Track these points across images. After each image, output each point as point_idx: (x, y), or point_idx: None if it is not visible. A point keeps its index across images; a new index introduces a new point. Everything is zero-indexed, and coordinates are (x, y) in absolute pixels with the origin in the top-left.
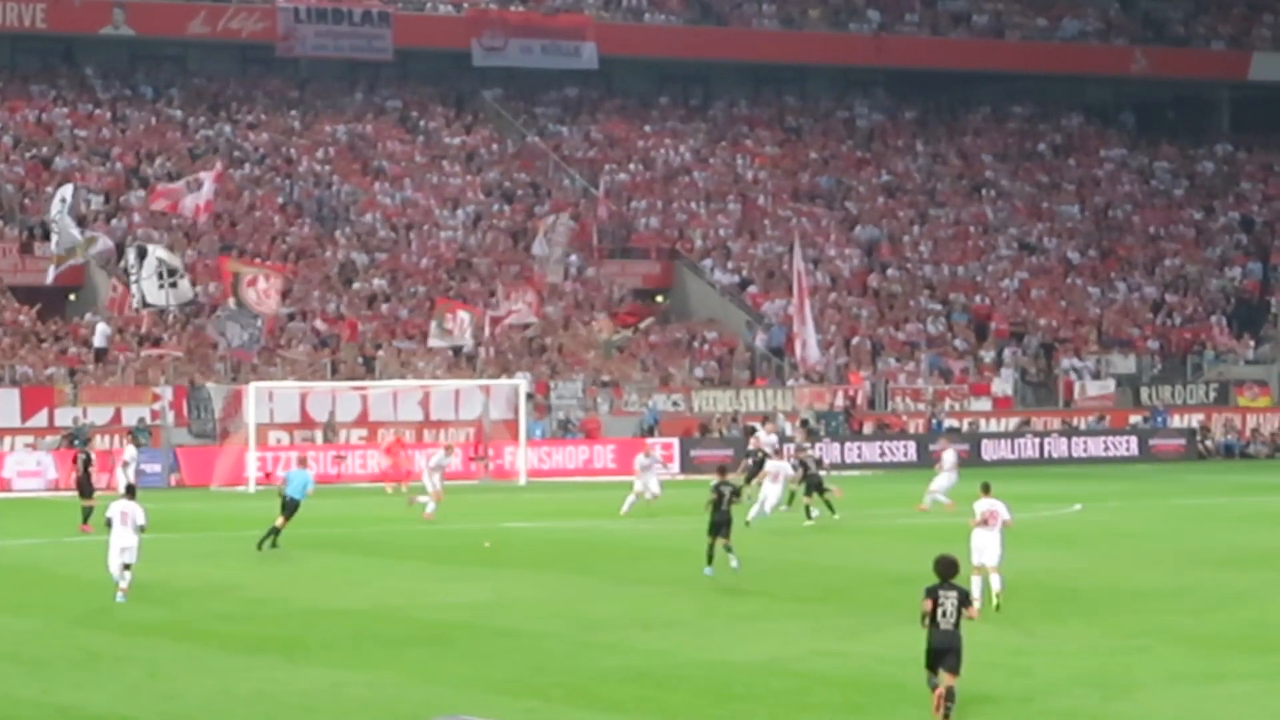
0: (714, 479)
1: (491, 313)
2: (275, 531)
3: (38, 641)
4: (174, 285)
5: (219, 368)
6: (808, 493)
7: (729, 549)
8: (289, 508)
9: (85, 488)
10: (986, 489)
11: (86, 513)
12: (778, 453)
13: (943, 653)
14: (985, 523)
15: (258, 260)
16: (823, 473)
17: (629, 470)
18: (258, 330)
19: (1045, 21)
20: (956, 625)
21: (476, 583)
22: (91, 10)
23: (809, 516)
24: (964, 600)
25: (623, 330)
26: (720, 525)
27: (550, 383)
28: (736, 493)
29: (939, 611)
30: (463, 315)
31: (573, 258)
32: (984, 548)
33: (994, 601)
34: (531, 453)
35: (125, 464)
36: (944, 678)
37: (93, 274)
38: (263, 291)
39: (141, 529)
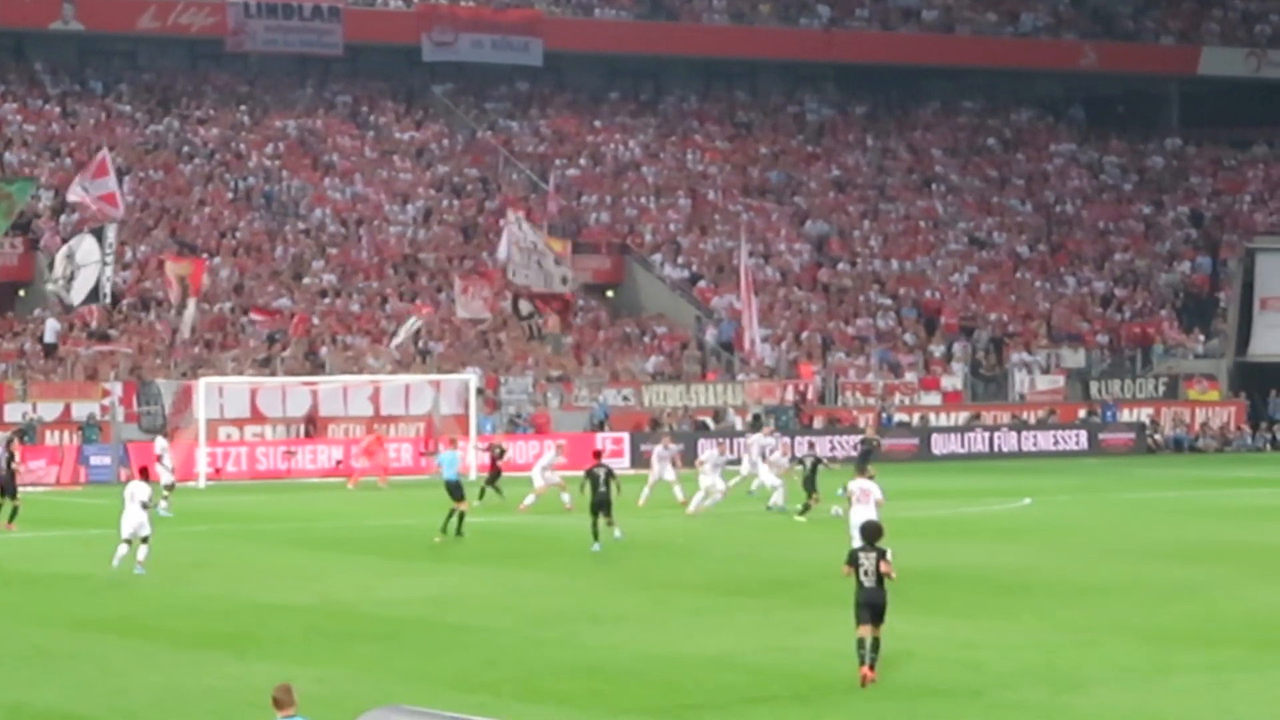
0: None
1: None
2: (457, 515)
3: None
4: (68, 285)
5: (169, 363)
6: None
7: (610, 524)
8: (454, 490)
9: (9, 486)
10: (861, 470)
11: (12, 512)
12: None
13: (865, 607)
14: (860, 501)
15: (184, 256)
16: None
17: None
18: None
19: (995, 16)
20: (879, 583)
21: (426, 578)
22: (41, 5)
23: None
24: (881, 558)
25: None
26: (600, 505)
27: (500, 378)
28: (611, 475)
29: (861, 570)
30: (412, 320)
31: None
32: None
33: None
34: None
35: (159, 456)
36: (870, 630)
37: (42, 270)
38: (169, 284)
39: (145, 505)
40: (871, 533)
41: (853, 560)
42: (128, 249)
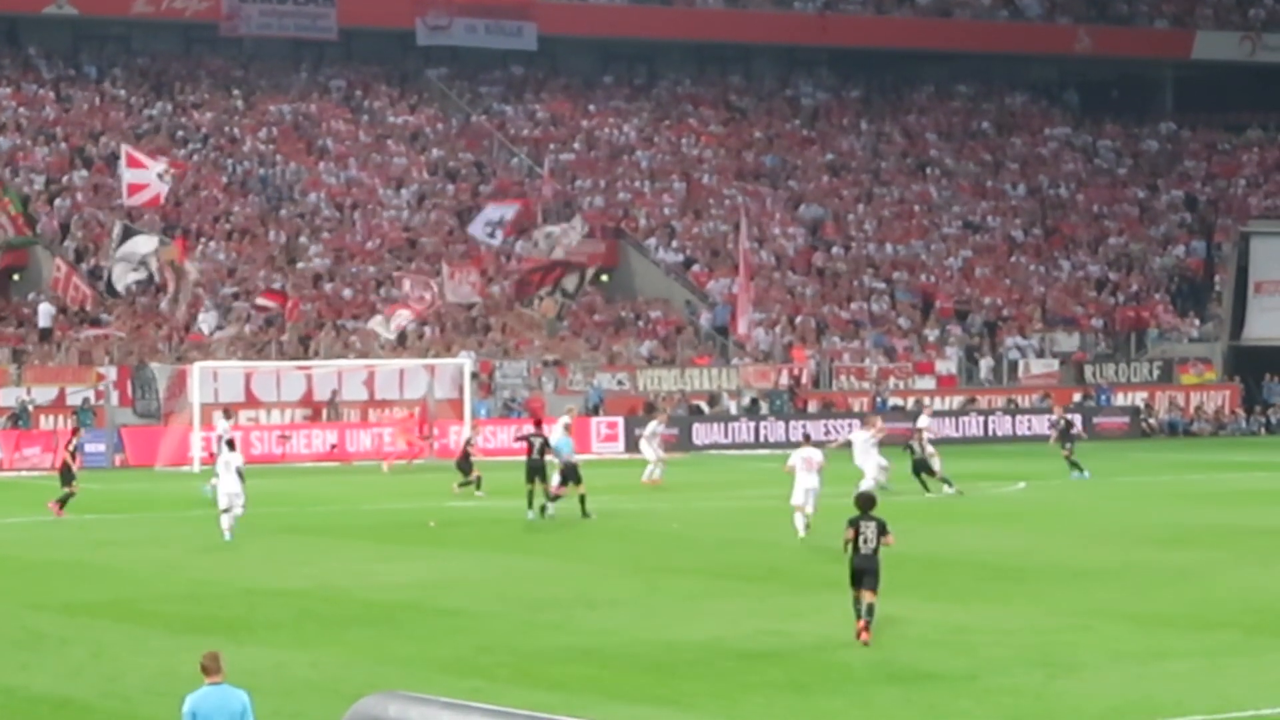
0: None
1: (433, 294)
2: (579, 498)
3: None
4: (137, 269)
5: (163, 348)
6: (915, 473)
7: (547, 494)
8: (570, 473)
9: (67, 474)
10: (807, 438)
11: (65, 499)
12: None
13: (862, 573)
14: (805, 469)
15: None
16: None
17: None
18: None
19: (989, 0)
20: (875, 551)
21: (421, 562)
22: None
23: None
24: (882, 529)
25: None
26: (534, 471)
27: (495, 362)
28: (546, 443)
29: (860, 538)
30: (403, 313)
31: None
32: (806, 488)
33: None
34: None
35: (219, 437)
36: (865, 595)
37: (37, 254)
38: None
39: (240, 474)
40: (867, 503)
41: (854, 525)
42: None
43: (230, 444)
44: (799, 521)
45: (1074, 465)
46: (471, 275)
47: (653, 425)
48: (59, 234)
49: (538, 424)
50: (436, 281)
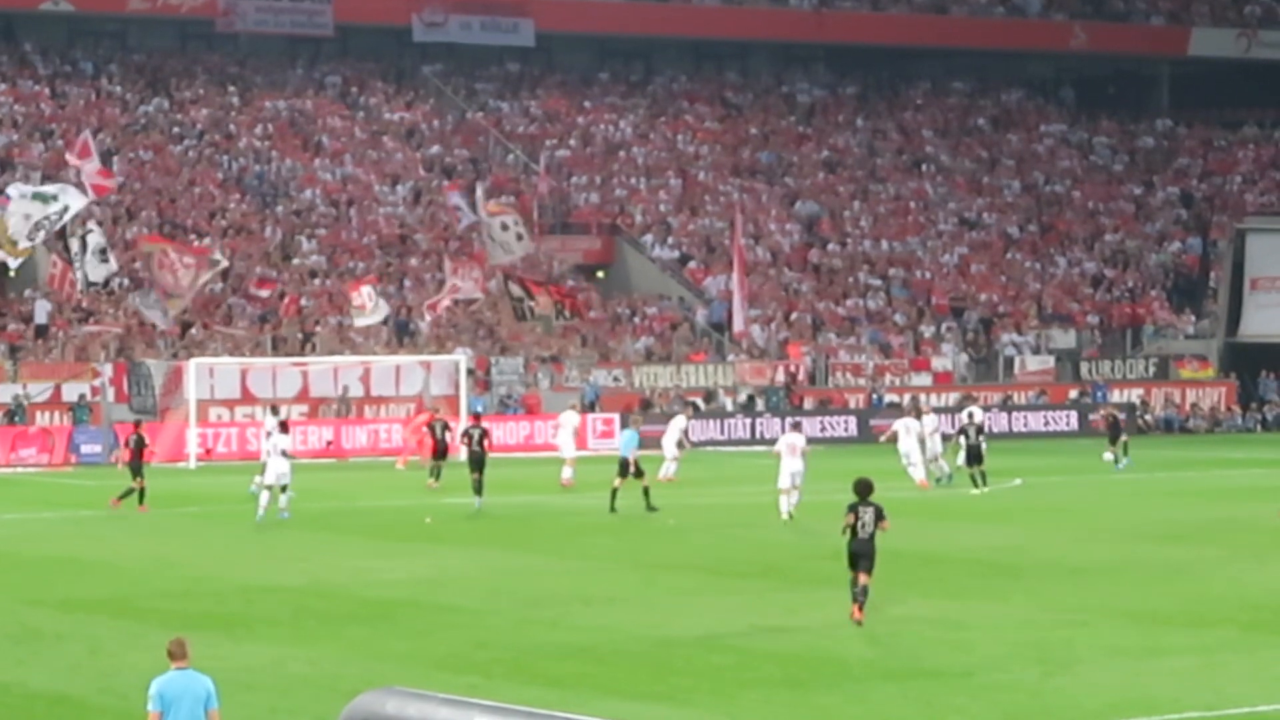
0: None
1: (434, 295)
2: (642, 490)
3: None
4: (104, 261)
5: (159, 344)
6: (969, 462)
7: (479, 484)
8: (624, 467)
9: (137, 468)
10: (796, 426)
11: (140, 494)
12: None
13: (859, 556)
14: (789, 454)
15: (175, 240)
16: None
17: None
18: (163, 308)
19: None
20: (871, 536)
21: (417, 559)
22: None
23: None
24: (879, 515)
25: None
26: (474, 462)
27: (491, 358)
28: (485, 435)
29: (858, 524)
30: (365, 290)
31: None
32: (794, 474)
33: (791, 513)
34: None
35: (268, 434)
36: (860, 578)
37: (33, 251)
38: (171, 268)
39: (285, 454)
40: (864, 488)
41: (853, 510)
42: (118, 229)
43: (284, 426)
44: (782, 504)
45: (1117, 455)
46: (474, 271)
47: (679, 421)
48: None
49: (476, 418)
50: (438, 278)
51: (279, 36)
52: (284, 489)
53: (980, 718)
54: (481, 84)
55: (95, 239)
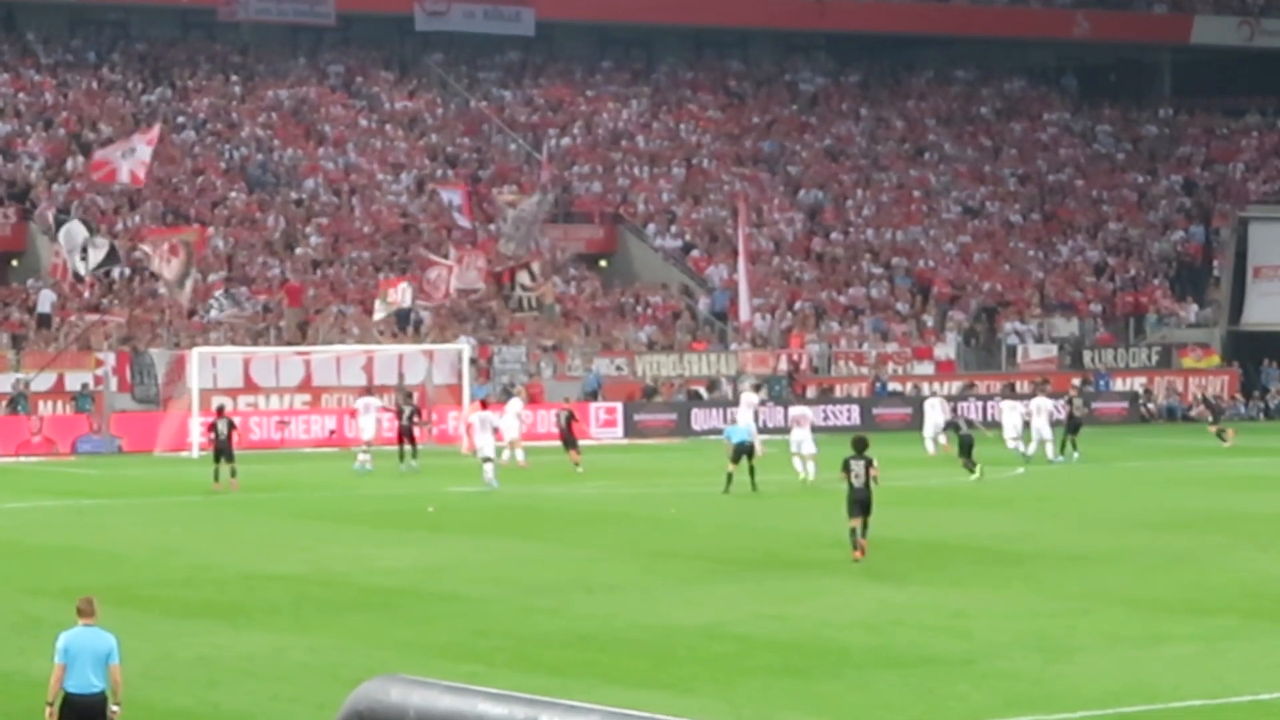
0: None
1: (439, 281)
2: (748, 470)
3: None
4: (83, 259)
5: (162, 333)
6: (1070, 430)
7: (414, 453)
8: (737, 453)
9: (228, 452)
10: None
11: (232, 471)
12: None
13: (855, 503)
14: (799, 424)
15: (166, 229)
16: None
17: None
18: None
19: None
20: (865, 485)
21: (419, 547)
22: None
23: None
24: (869, 464)
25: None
26: (404, 433)
27: (493, 347)
28: (417, 411)
29: (852, 474)
30: (404, 286)
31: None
32: (800, 441)
33: (809, 477)
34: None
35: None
36: (855, 522)
37: (35, 240)
38: (163, 255)
39: (495, 429)
40: (860, 444)
41: (845, 467)
42: (120, 219)
43: (484, 404)
44: (797, 464)
45: (1219, 433)
46: (479, 261)
47: (749, 397)
48: (57, 220)
49: (408, 396)
50: (447, 269)
51: (281, 25)
52: (486, 460)
53: (981, 705)
54: (484, 73)
55: (78, 230)
